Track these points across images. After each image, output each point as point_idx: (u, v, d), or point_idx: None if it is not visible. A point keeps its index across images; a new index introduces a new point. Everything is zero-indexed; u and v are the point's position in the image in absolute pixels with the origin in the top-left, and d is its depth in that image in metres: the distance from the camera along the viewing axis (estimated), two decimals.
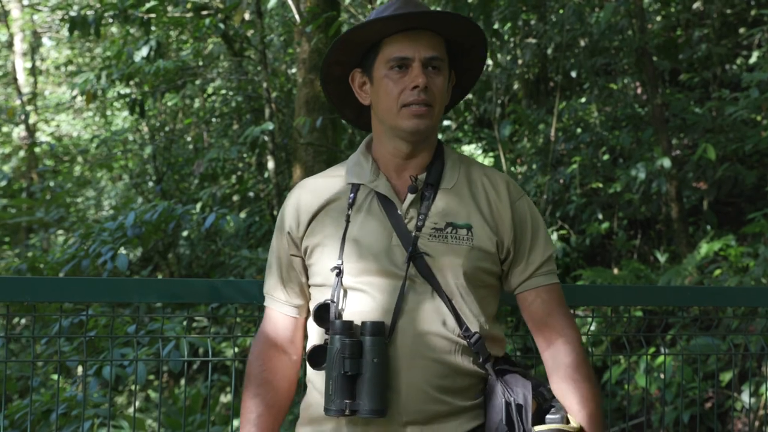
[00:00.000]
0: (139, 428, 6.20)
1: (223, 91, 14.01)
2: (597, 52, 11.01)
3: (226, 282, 3.05)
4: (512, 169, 11.44)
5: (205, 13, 10.43)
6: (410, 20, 2.40)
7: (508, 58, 12.34)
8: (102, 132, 16.27)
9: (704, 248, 7.87)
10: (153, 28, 10.47)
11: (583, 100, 11.35)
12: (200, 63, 12.44)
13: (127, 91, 12.01)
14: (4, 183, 15.94)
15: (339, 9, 8.17)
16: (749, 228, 7.92)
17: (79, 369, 7.71)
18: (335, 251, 2.42)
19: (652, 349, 6.99)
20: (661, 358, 6.94)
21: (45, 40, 19.22)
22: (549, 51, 11.59)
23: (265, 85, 11.02)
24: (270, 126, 9.57)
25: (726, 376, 6.98)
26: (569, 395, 2.45)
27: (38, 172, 16.60)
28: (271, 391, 2.53)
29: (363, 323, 2.33)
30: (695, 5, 11.37)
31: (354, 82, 2.54)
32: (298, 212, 2.51)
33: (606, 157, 10.63)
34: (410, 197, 2.44)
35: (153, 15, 9.69)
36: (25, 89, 17.62)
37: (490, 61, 12.29)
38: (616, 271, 9.49)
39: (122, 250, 7.23)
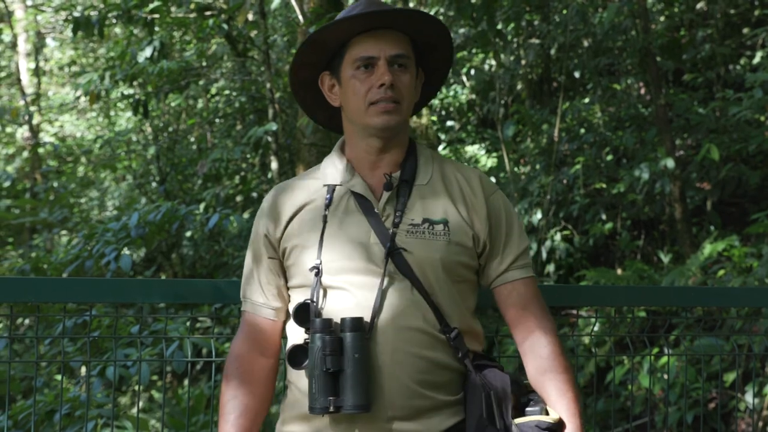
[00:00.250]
0: (143, 428, 6.21)
1: (227, 92, 14.01)
2: (600, 53, 11.00)
3: (230, 282, 3.05)
4: (516, 169, 11.44)
5: (208, 13, 10.43)
6: (373, 20, 2.44)
7: (512, 58, 12.34)
8: (105, 132, 16.28)
9: (708, 249, 7.86)
10: (156, 28, 10.47)
11: (587, 100, 11.35)
12: (204, 63, 12.44)
13: (131, 91, 12.03)
14: (7, 183, 15.96)
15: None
16: (753, 228, 7.91)
17: (83, 369, 7.72)
18: (314, 251, 2.44)
19: (655, 350, 6.98)
20: (664, 359, 6.93)
21: (49, 40, 19.24)
22: (552, 51, 11.59)
23: (268, 85, 11.02)
24: (273, 126, 9.57)
25: (729, 377, 6.97)
26: (548, 387, 2.47)
27: (42, 172, 16.60)
28: (249, 395, 2.54)
29: (342, 320, 2.34)
30: (699, 5, 11.36)
31: (323, 84, 2.58)
32: (275, 215, 2.53)
33: (609, 157, 10.63)
34: (386, 195, 2.47)
35: (156, 15, 9.69)
36: (29, 90, 17.62)
37: (493, 62, 12.33)
38: (619, 271, 9.49)
39: (126, 251, 7.23)
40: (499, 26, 10.36)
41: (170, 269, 13.37)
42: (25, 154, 17.41)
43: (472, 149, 12.61)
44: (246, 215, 11.90)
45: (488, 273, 2.55)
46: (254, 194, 12.82)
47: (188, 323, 3.62)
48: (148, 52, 9.83)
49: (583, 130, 10.98)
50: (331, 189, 2.50)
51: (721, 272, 7.58)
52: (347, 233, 2.44)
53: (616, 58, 11.13)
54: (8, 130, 18.12)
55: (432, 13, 12.36)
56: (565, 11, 10.86)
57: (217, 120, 14.17)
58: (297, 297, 2.49)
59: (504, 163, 11.08)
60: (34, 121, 16.93)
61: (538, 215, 10.04)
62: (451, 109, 13.28)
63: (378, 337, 2.36)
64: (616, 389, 7.64)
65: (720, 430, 4.15)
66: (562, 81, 10.84)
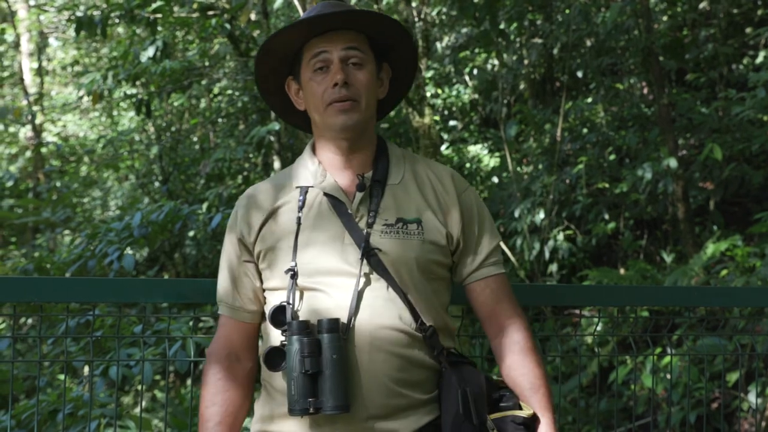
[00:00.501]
0: (146, 428, 6.21)
1: (229, 92, 14.01)
2: (603, 52, 11.00)
3: None
4: (518, 169, 11.44)
5: (211, 13, 10.43)
6: (323, 23, 2.45)
7: (514, 58, 12.34)
8: (108, 132, 16.29)
9: (711, 248, 7.86)
10: (159, 28, 10.48)
11: (590, 100, 11.34)
12: (206, 63, 12.45)
13: (134, 91, 12.02)
14: (10, 183, 15.97)
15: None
16: (756, 228, 7.90)
17: (86, 369, 7.73)
18: (288, 254, 2.44)
19: (658, 350, 6.99)
20: (667, 359, 6.93)
21: (51, 40, 19.25)
22: (555, 51, 11.59)
23: None
24: (276, 126, 9.58)
25: (733, 377, 6.97)
26: (521, 382, 2.50)
27: (45, 172, 16.62)
28: (228, 400, 2.54)
29: (319, 321, 2.35)
30: (702, 5, 11.35)
31: (290, 89, 2.59)
32: (249, 218, 2.53)
33: (612, 157, 10.62)
34: (359, 195, 2.47)
35: (159, 15, 9.69)
36: (32, 89, 17.64)
37: (496, 61, 12.33)
38: (622, 271, 9.48)
39: (129, 251, 7.24)
40: (502, 26, 10.36)
41: (173, 269, 13.38)
42: (28, 153, 17.43)
43: (474, 149, 12.61)
44: None
45: (461, 270, 2.57)
46: None
47: (191, 323, 3.62)
48: (150, 51, 9.84)
49: (585, 130, 10.98)
50: (304, 191, 2.50)
51: (724, 272, 7.57)
52: (321, 235, 2.45)
53: (618, 58, 11.13)
54: (11, 129, 18.14)
55: (434, 13, 12.38)
56: (567, 11, 10.85)
57: (219, 120, 14.17)
58: (273, 299, 2.49)
59: (507, 162, 11.07)
60: (37, 121, 16.94)
61: (541, 215, 10.03)
62: (454, 108, 13.28)
63: (355, 337, 2.37)
64: (619, 389, 7.64)
65: (723, 430, 4.15)
66: (565, 81, 10.83)
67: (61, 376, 7.86)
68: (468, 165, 12.51)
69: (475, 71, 12.88)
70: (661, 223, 10.26)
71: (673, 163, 8.59)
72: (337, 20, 2.45)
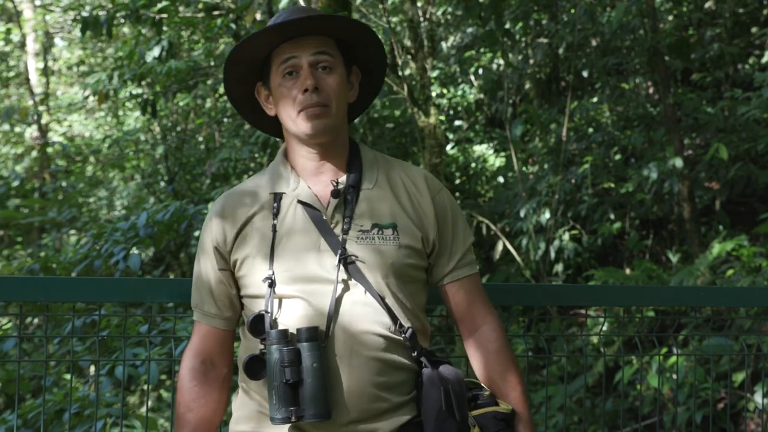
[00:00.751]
0: (152, 428, 6.20)
1: None
2: (609, 52, 10.99)
3: None
4: (524, 168, 11.43)
5: (216, 13, 10.44)
6: (291, 29, 2.45)
7: (520, 57, 12.34)
8: (114, 132, 16.30)
9: (717, 248, 7.85)
10: (165, 28, 10.48)
11: (595, 99, 11.34)
12: (212, 63, 12.45)
13: (139, 91, 12.03)
14: (16, 183, 16.00)
15: (350, 9, 8.16)
16: (762, 228, 7.89)
17: (92, 369, 7.73)
18: (265, 262, 2.44)
19: (664, 350, 6.97)
20: (673, 359, 6.92)
21: (57, 40, 19.27)
22: (560, 51, 11.58)
23: None
24: None
25: (739, 377, 6.96)
26: (497, 380, 2.54)
27: (50, 172, 16.64)
28: (203, 407, 2.55)
29: (298, 330, 2.35)
30: (707, 4, 11.34)
31: (260, 95, 2.58)
32: (224, 226, 2.52)
33: (618, 156, 10.62)
34: (333, 202, 2.47)
35: (165, 15, 9.70)
36: (38, 89, 17.66)
37: (501, 61, 12.32)
38: (628, 271, 9.48)
39: (134, 250, 7.24)
40: (507, 26, 10.36)
41: (179, 269, 13.38)
42: (34, 153, 17.45)
43: (480, 149, 12.61)
44: None
45: (436, 271, 2.58)
46: None
47: None
48: (156, 51, 9.84)
49: (591, 130, 10.97)
50: (278, 197, 2.50)
51: (730, 272, 7.57)
52: (297, 242, 2.44)
53: (624, 58, 11.12)
54: (17, 129, 18.16)
55: (439, 12, 12.38)
56: (573, 10, 10.85)
57: (225, 119, 14.17)
58: (250, 307, 2.49)
59: (512, 162, 11.07)
60: (43, 121, 16.97)
61: (547, 215, 10.03)
62: (459, 108, 13.28)
63: (335, 344, 2.38)
64: (625, 389, 7.63)
65: (729, 430, 4.14)
66: (571, 80, 10.83)
67: (67, 376, 7.87)
68: (473, 165, 12.52)
69: (480, 71, 12.89)
70: (667, 222, 10.25)
71: (678, 162, 8.58)
72: (305, 26, 2.45)
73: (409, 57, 9.76)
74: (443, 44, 13.52)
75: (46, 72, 18.28)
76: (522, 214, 10.16)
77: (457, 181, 12.54)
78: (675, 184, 8.83)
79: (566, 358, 4.51)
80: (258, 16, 11.10)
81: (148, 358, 3.44)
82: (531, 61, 12.20)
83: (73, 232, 14.89)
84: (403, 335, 2.42)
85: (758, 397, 6.70)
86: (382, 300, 2.41)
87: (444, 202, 2.57)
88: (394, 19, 11.90)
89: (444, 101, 13.06)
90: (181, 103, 14.59)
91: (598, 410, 8.05)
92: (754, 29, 11.10)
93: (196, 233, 12.89)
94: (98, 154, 16.45)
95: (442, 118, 12.47)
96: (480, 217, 11.11)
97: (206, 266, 2.56)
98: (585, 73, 11.08)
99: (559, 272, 9.93)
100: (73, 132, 18.22)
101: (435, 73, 12.62)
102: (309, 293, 2.40)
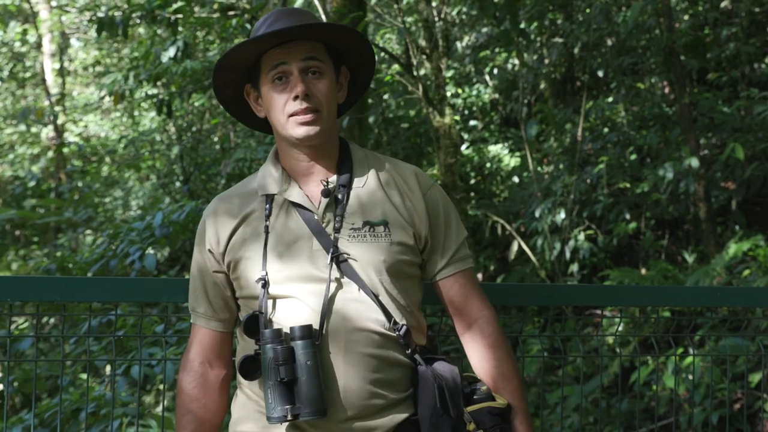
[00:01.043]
0: (167, 427, 6.22)
1: None
2: (624, 52, 10.96)
3: None
4: (539, 168, 11.41)
5: (231, 13, 10.45)
6: (280, 36, 2.45)
7: (535, 57, 12.32)
8: (129, 132, 16.36)
9: (733, 248, 7.82)
10: (180, 28, 10.50)
11: (610, 99, 11.31)
12: None
13: (155, 91, 12.07)
14: (33, 183, 16.07)
15: (365, 9, 8.17)
16: None
17: (108, 368, 7.76)
18: (258, 263, 2.46)
19: (680, 350, 6.96)
20: (689, 359, 6.90)
21: (73, 41, 19.35)
22: (576, 50, 11.56)
23: None
24: None
25: (755, 377, 6.93)
26: (494, 374, 2.55)
27: (66, 172, 16.71)
28: (203, 408, 2.57)
29: (291, 328, 2.37)
30: (723, 4, 11.30)
31: (249, 97, 2.59)
32: (217, 229, 2.55)
33: (633, 156, 10.59)
34: (324, 201, 2.48)
35: (180, 16, 9.71)
36: (54, 90, 17.73)
37: (516, 61, 12.31)
38: (643, 271, 9.45)
39: (150, 250, 7.27)
40: (522, 25, 10.34)
41: None
42: (50, 154, 17.52)
43: (495, 148, 12.59)
44: None
45: (430, 267, 2.58)
46: None
47: None
48: (171, 52, 9.85)
49: (606, 130, 10.94)
50: (270, 199, 2.52)
51: (747, 272, 7.54)
52: (290, 242, 2.46)
53: (639, 57, 11.09)
54: (33, 130, 18.23)
55: (454, 12, 12.37)
56: (588, 10, 10.83)
57: None
58: (246, 308, 2.52)
59: (527, 162, 11.05)
60: (59, 121, 17.03)
61: (562, 215, 10.01)
62: (474, 108, 13.27)
63: (329, 341, 2.40)
64: (641, 389, 7.61)
65: (746, 431, 4.13)
66: (586, 80, 10.81)
67: (84, 376, 7.89)
68: (488, 165, 12.50)
69: (495, 71, 12.87)
70: (683, 223, 10.22)
71: (694, 162, 8.55)
72: (291, 34, 2.45)
73: (424, 57, 9.76)
74: (458, 44, 13.51)
75: (62, 72, 18.36)
76: (537, 214, 10.15)
77: (472, 181, 12.53)
78: (691, 184, 8.80)
79: (582, 359, 4.50)
80: None
81: (164, 358, 3.44)
82: (546, 61, 12.18)
83: (89, 232, 14.94)
84: (398, 332, 2.44)
85: None
86: (375, 297, 2.43)
87: (435, 198, 2.58)
88: (409, 19, 11.89)
89: (459, 101, 13.04)
90: (196, 104, 14.61)
91: (613, 411, 8.03)
92: None
93: None
94: (114, 155, 16.51)
95: (457, 118, 12.47)
96: (495, 217, 11.11)
97: (201, 269, 2.59)
98: (600, 73, 11.05)
99: (575, 272, 9.91)
100: (89, 132, 18.28)
101: (450, 73, 12.61)
102: (302, 292, 2.42)
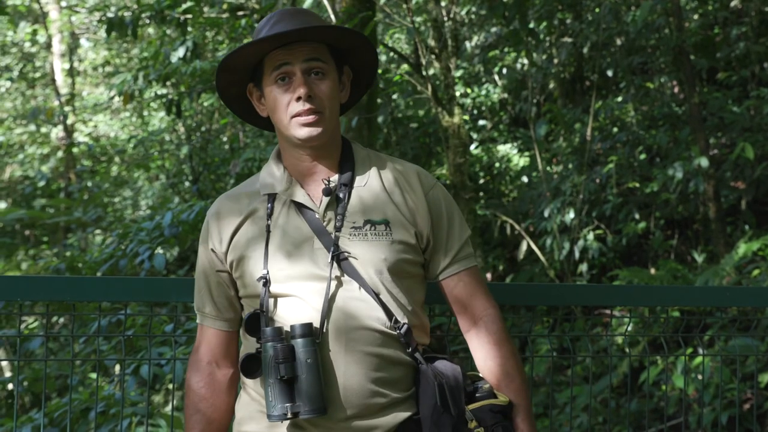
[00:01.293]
0: (177, 427, 6.24)
1: None
2: (633, 51, 10.95)
3: None
4: (548, 168, 11.41)
5: (241, 13, 10.46)
6: (283, 38, 2.45)
7: (544, 57, 12.31)
8: (139, 132, 16.39)
9: (742, 248, 7.81)
10: (189, 28, 10.52)
11: (620, 99, 11.30)
12: None
13: (164, 91, 12.09)
14: (42, 183, 16.11)
15: (374, 9, 8.17)
16: None
17: (117, 368, 7.77)
18: (260, 262, 2.47)
19: (689, 350, 6.95)
20: (698, 359, 6.89)
21: (83, 41, 19.40)
22: (585, 50, 11.55)
23: None
24: None
25: (765, 377, 6.92)
26: (497, 372, 2.54)
27: (76, 172, 16.75)
28: (211, 407, 2.59)
29: (292, 326, 2.37)
30: (733, 3, 11.28)
31: (252, 96, 2.60)
32: (220, 229, 2.56)
33: (643, 156, 10.57)
34: (325, 200, 2.49)
35: (189, 16, 9.72)
36: (63, 90, 17.78)
37: (525, 61, 12.30)
38: (653, 271, 9.44)
39: (159, 250, 7.27)
40: (531, 25, 10.33)
41: None
42: (60, 153, 17.56)
43: (504, 148, 12.58)
44: None
45: (433, 267, 2.58)
46: None
47: None
48: (181, 52, 9.87)
49: (616, 129, 10.93)
50: (272, 198, 2.53)
51: (756, 272, 7.52)
52: (291, 241, 2.47)
53: (649, 57, 11.07)
54: (43, 130, 18.28)
55: (463, 12, 12.36)
56: (597, 9, 10.81)
57: None
58: (249, 307, 2.53)
59: (536, 162, 11.05)
60: (69, 121, 17.07)
61: (571, 215, 10.00)
62: (483, 108, 13.26)
63: (330, 339, 2.40)
64: (650, 389, 7.60)
65: (755, 431, 4.12)
66: (595, 80, 10.79)
67: (93, 375, 7.91)
68: (497, 164, 12.49)
69: (504, 70, 12.86)
70: (692, 222, 10.20)
71: (704, 162, 8.54)
72: (293, 36, 2.45)
73: (433, 57, 9.75)
74: (467, 44, 13.50)
75: (71, 73, 18.41)
76: (546, 213, 10.14)
77: (481, 181, 12.52)
78: (700, 184, 8.78)
79: (591, 359, 4.51)
80: None
81: (174, 357, 3.45)
82: (555, 61, 12.17)
83: (98, 231, 14.98)
84: (398, 331, 2.44)
85: None
86: (376, 296, 2.43)
87: (437, 197, 2.58)
88: (418, 19, 11.89)
89: (468, 101, 13.04)
90: (205, 104, 14.63)
91: (623, 411, 8.02)
92: None
93: None
94: (123, 154, 16.54)
95: (466, 117, 12.46)
96: (504, 217, 11.10)
97: (205, 269, 2.61)
98: (609, 73, 11.04)
99: (584, 272, 9.91)
100: (99, 132, 18.31)
101: (459, 73, 12.60)
102: (304, 291, 2.43)
